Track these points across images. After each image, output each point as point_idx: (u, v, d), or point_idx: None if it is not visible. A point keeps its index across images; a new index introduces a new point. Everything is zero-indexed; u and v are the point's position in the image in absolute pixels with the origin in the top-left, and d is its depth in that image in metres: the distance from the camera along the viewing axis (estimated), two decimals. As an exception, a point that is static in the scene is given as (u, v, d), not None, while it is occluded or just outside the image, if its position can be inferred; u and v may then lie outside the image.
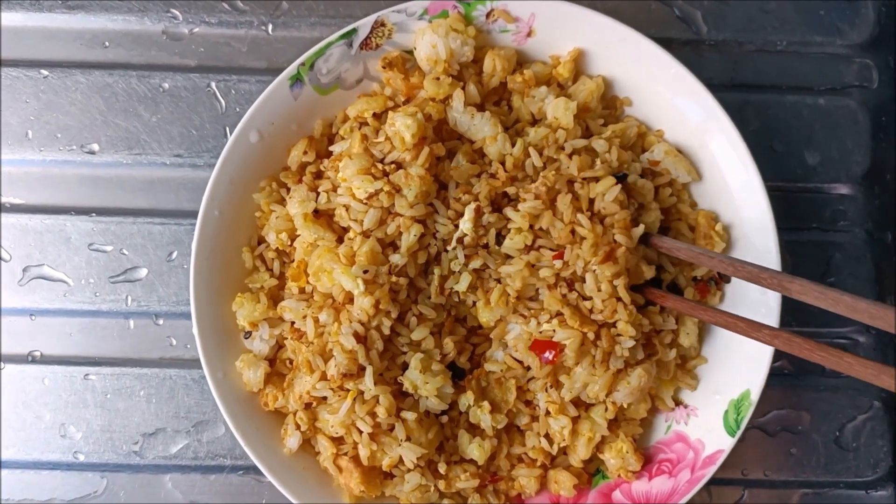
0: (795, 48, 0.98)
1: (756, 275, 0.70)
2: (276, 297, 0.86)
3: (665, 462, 0.85)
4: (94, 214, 0.94)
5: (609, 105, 0.90)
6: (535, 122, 0.87)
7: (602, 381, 0.80)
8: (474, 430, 0.83)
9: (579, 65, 0.89)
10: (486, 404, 0.81)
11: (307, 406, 0.83)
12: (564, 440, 0.83)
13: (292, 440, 0.83)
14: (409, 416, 0.79)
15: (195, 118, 0.95)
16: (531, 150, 0.81)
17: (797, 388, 0.94)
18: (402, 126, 0.80)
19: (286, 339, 0.84)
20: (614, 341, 0.80)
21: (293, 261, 0.85)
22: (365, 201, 0.79)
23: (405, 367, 0.81)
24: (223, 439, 0.92)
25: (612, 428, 0.84)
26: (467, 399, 0.81)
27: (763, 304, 0.82)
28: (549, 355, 0.79)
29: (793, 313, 0.90)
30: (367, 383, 0.78)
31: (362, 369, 0.79)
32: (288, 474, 0.82)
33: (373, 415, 0.79)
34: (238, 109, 0.95)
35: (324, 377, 0.80)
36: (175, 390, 0.93)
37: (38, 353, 0.94)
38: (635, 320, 0.79)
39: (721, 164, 0.85)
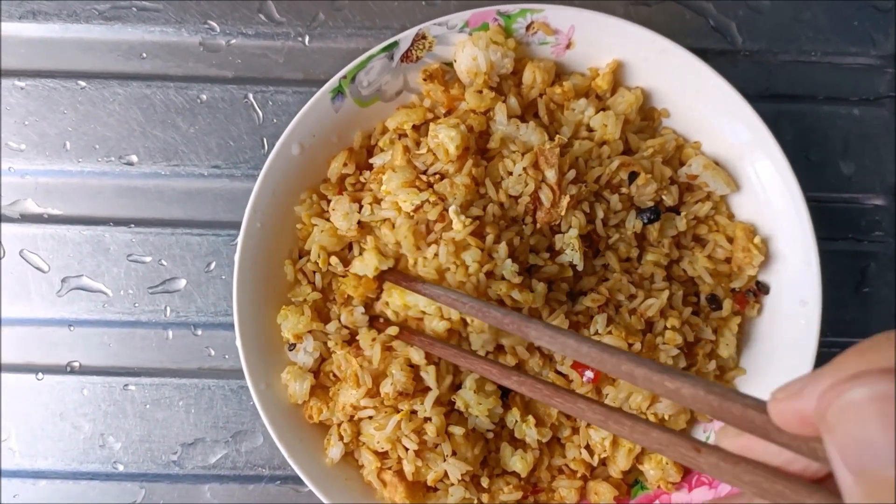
0: (830, 58, 0.98)
1: (499, 320, 0.70)
2: (319, 310, 0.86)
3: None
4: (132, 225, 0.94)
5: (647, 116, 0.90)
6: (574, 135, 0.87)
7: (645, 391, 0.80)
8: (516, 442, 0.84)
9: (617, 76, 0.89)
10: (530, 419, 0.81)
11: (351, 418, 0.83)
12: (605, 451, 0.83)
13: (335, 450, 0.84)
14: (457, 430, 0.80)
15: (233, 129, 0.95)
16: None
17: (833, 398, 0.94)
18: (445, 138, 0.80)
19: (334, 352, 0.84)
20: (657, 349, 0.81)
21: (344, 275, 0.85)
22: (412, 213, 0.80)
23: (455, 385, 0.82)
24: (261, 449, 0.93)
25: (652, 439, 0.84)
26: (514, 416, 0.82)
27: (803, 316, 0.83)
28: (590, 374, 0.80)
29: (829, 324, 0.90)
30: (427, 405, 0.78)
31: (419, 390, 0.79)
32: (331, 486, 0.82)
33: (419, 432, 0.79)
34: (275, 121, 0.95)
35: (370, 394, 0.80)
36: (214, 400, 0.93)
37: (76, 364, 0.94)
38: (682, 326, 0.80)
39: (760, 176, 0.85)
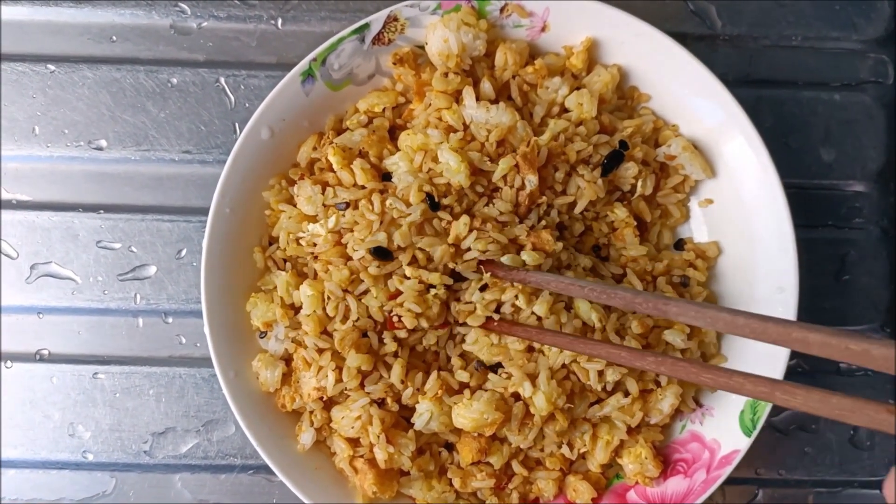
0: (811, 43, 0.97)
1: (630, 301, 0.65)
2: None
3: (680, 462, 0.84)
4: (101, 211, 0.93)
5: (624, 95, 0.89)
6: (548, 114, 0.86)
7: (637, 415, 0.81)
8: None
9: (593, 56, 0.87)
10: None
11: (321, 400, 0.82)
12: (584, 446, 0.82)
13: (306, 436, 0.83)
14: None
15: (204, 114, 0.94)
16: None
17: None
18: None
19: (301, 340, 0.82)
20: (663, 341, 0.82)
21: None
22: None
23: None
24: (233, 438, 0.92)
25: (631, 433, 0.83)
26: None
27: (780, 303, 0.82)
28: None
29: (808, 311, 0.89)
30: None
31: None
32: (300, 474, 0.81)
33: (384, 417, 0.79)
34: (247, 105, 0.94)
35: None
36: (185, 389, 0.92)
37: (45, 352, 0.93)
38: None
39: (736, 161, 0.84)
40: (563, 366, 0.78)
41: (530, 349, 0.78)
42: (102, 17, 0.94)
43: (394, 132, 0.87)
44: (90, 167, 0.93)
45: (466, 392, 0.79)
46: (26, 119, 0.94)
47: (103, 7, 0.94)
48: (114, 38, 0.94)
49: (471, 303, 0.78)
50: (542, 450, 0.83)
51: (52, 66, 0.94)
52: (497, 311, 0.78)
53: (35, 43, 0.94)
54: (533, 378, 0.77)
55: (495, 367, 0.80)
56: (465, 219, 0.76)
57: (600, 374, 0.77)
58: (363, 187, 0.81)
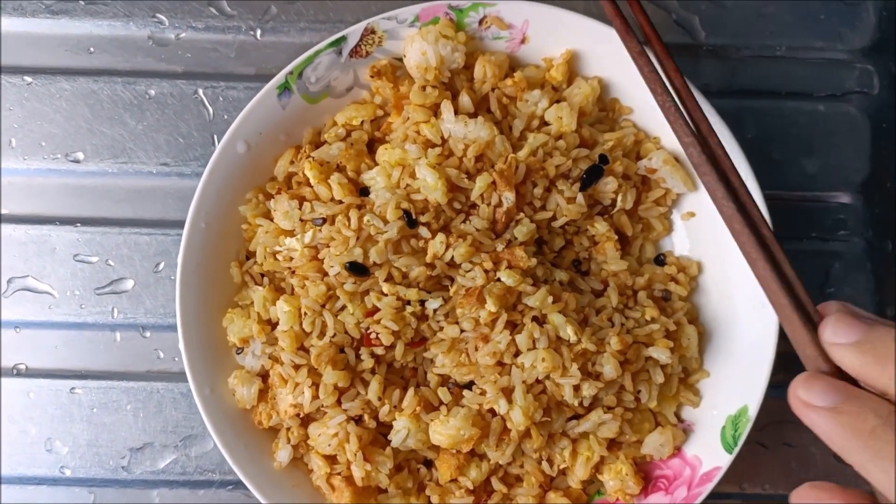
0: (795, 53, 0.96)
1: None
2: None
3: (661, 479, 0.84)
4: (79, 224, 0.92)
5: (605, 107, 0.88)
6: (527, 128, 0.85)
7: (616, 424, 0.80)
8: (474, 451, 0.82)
9: (573, 68, 0.87)
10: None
11: (298, 417, 0.81)
12: (564, 462, 0.81)
13: (283, 453, 0.82)
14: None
15: (182, 126, 0.93)
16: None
17: (795, 401, 0.92)
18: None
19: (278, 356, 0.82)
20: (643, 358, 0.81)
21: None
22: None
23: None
24: (212, 454, 0.91)
25: (612, 449, 0.83)
26: None
27: (759, 319, 0.81)
28: None
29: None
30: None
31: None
32: (277, 492, 0.80)
33: (362, 435, 0.78)
34: (226, 117, 0.93)
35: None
36: (163, 404, 0.91)
37: (23, 367, 0.92)
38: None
39: (719, 174, 0.83)
40: (538, 381, 0.77)
41: (500, 364, 0.77)
42: (80, 28, 0.93)
43: (372, 145, 0.86)
44: (67, 180, 0.93)
45: (443, 409, 0.78)
46: (3, 132, 0.93)
47: (81, 18, 0.93)
48: (91, 49, 0.93)
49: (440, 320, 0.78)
50: (521, 466, 0.83)
51: (28, 78, 0.93)
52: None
53: (11, 55, 0.93)
54: (508, 393, 0.76)
55: (470, 385, 0.80)
56: (440, 237, 0.76)
57: (576, 388, 0.76)
58: (340, 202, 0.80)
